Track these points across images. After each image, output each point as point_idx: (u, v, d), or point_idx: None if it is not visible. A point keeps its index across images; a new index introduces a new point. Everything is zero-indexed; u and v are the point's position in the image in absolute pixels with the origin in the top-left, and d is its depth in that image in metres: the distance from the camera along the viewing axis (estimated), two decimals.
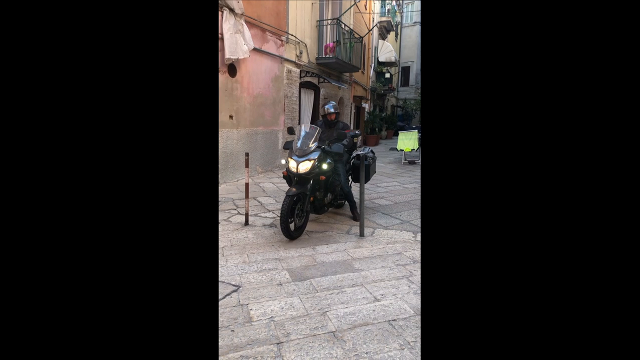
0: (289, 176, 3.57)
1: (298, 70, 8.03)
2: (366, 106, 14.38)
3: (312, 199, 3.51)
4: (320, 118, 4.21)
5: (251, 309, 2.15)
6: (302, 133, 3.65)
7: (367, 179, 4.14)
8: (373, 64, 15.08)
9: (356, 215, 4.02)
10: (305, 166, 3.42)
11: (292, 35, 7.57)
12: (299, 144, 3.55)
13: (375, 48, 15.07)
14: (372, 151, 4.38)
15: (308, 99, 8.91)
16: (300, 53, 8.02)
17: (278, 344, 1.81)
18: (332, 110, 4.08)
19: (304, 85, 8.46)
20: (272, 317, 2.07)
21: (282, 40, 7.27)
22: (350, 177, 4.37)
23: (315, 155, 3.47)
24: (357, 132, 4.47)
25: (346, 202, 4.49)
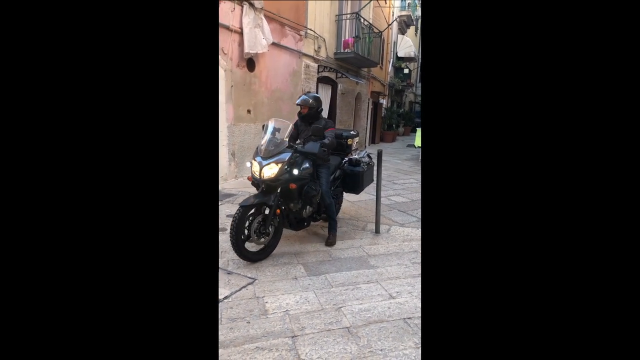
0: (257, 182, 2.84)
1: (316, 65, 8.00)
2: (384, 102, 14.22)
3: (278, 211, 2.78)
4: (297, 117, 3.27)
5: (267, 302, 2.18)
6: (270, 129, 2.84)
7: (359, 189, 3.54)
8: (392, 59, 14.87)
9: (332, 238, 3.17)
10: (271, 170, 2.67)
11: (310, 29, 7.54)
12: (265, 143, 2.78)
13: (394, 43, 14.84)
14: (369, 155, 3.79)
15: (325, 94, 8.88)
16: (319, 48, 7.99)
17: (293, 337, 1.83)
18: (307, 102, 3.06)
19: (321, 80, 8.43)
20: (287, 310, 2.09)
21: (300, 35, 7.26)
22: (335, 187, 3.55)
23: (285, 157, 2.72)
24: (352, 132, 3.74)
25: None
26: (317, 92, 8.25)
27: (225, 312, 2.06)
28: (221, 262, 2.72)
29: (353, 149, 3.71)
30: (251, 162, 2.82)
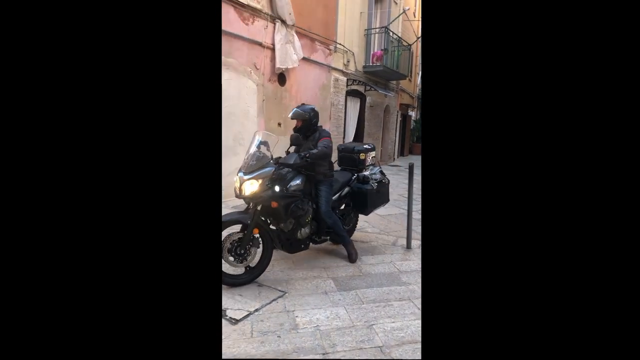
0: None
1: (345, 79, 8.07)
2: (413, 114, 14.06)
3: (256, 230, 2.52)
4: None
5: (297, 316, 2.16)
6: (256, 142, 2.62)
7: (366, 209, 3.25)
8: (420, 72, 14.76)
9: (352, 254, 2.99)
10: (251, 187, 2.46)
11: (340, 44, 7.64)
12: (248, 157, 2.58)
13: None
14: (382, 172, 3.43)
15: (354, 107, 8.91)
16: (348, 62, 8.07)
17: (324, 354, 1.79)
18: (299, 114, 2.84)
19: (350, 93, 8.48)
20: (317, 325, 2.06)
21: (330, 49, 7.37)
22: (344, 206, 3.31)
23: (268, 172, 2.52)
24: (366, 145, 3.41)
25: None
26: (345, 105, 8.29)
27: (256, 325, 2.06)
28: None
29: (367, 164, 3.38)
30: (236, 177, 2.57)
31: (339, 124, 8.16)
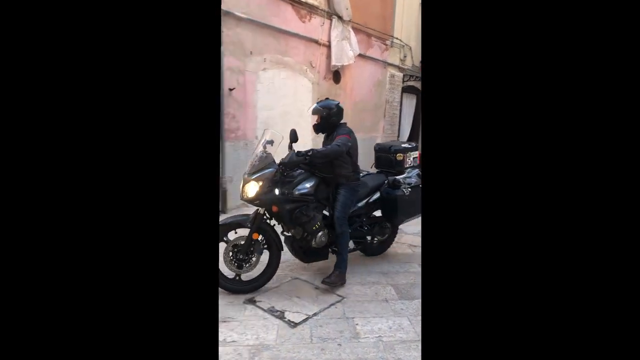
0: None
1: (401, 75, 7.78)
2: None
3: (256, 235, 2.34)
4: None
5: (357, 324, 2.06)
6: (263, 141, 2.44)
7: (395, 218, 2.85)
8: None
9: (334, 278, 2.46)
10: (253, 189, 2.29)
11: (397, 39, 7.37)
12: (253, 156, 2.43)
13: None
14: (419, 175, 2.94)
15: (409, 104, 8.56)
16: (404, 57, 7.76)
17: None
18: (316, 110, 2.58)
19: (405, 89, 8.16)
20: (380, 336, 1.94)
21: (386, 45, 7.13)
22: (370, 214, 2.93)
23: (269, 173, 2.31)
24: (405, 145, 3.01)
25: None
26: (400, 102, 7.99)
27: (315, 330, 1.99)
28: (307, 275, 2.70)
29: (407, 166, 2.96)
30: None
31: (394, 122, 7.89)
